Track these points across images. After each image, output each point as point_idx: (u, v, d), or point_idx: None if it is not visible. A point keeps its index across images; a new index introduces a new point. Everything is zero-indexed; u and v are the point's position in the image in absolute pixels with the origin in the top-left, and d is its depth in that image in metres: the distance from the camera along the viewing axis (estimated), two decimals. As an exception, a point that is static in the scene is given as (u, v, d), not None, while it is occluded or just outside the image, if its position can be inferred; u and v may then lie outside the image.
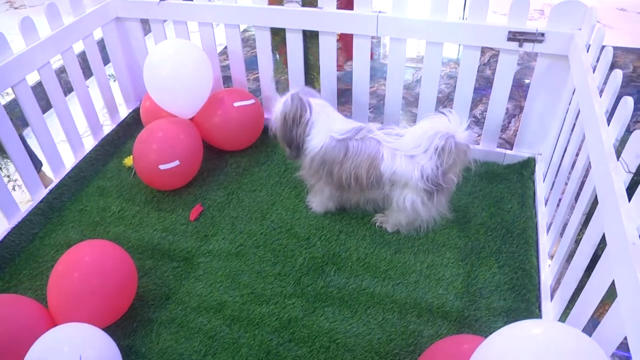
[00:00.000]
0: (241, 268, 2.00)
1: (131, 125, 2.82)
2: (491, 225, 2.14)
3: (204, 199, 2.33)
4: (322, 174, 2.03)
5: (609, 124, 1.52)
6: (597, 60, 1.78)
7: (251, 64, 3.16)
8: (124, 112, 2.92)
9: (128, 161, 2.53)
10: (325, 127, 2.01)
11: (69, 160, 2.53)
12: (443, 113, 1.86)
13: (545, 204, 2.18)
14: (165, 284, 1.97)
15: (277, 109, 2.06)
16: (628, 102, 1.41)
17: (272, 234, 2.14)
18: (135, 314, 1.86)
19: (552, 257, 1.92)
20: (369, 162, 1.92)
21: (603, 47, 1.75)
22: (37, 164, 2.57)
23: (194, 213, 2.25)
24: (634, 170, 1.29)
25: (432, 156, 1.85)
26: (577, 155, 1.82)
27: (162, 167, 2.21)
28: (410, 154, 1.87)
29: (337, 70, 2.56)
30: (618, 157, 1.38)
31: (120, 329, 1.80)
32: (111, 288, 1.73)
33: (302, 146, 2.05)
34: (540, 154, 2.43)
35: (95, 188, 2.43)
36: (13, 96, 2.62)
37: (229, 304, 1.88)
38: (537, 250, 2.03)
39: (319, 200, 2.19)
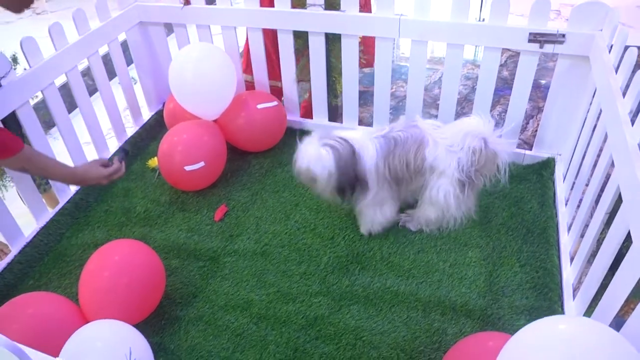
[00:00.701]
0: (267, 267, 2.04)
1: (154, 128, 2.87)
2: (512, 225, 2.16)
3: (228, 200, 2.37)
4: (386, 174, 1.96)
5: (632, 125, 1.54)
6: (620, 61, 1.79)
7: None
8: (146, 114, 2.97)
9: (152, 163, 2.58)
10: (366, 139, 1.95)
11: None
12: (480, 116, 1.93)
13: (566, 204, 2.20)
14: (192, 282, 2.01)
15: (314, 167, 1.90)
16: (653, 103, 1.44)
17: (296, 233, 2.17)
18: (163, 312, 1.90)
19: (573, 256, 1.94)
20: (416, 146, 1.93)
21: (626, 47, 1.76)
22: None
23: (218, 213, 2.29)
24: (659, 170, 1.31)
25: (467, 153, 1.89)
26: (598, 155, 1.84)
27: (187, 168, 2.25)
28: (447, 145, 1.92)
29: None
30: (643, 156, 1.40)
31: (149, 327, 1.84)
32: (140, 286, 1.77)
33: (360, 176, 1.94)
34: (560, 155, 2.45)
35: (120, 189, 2.47)
36: (38, 98, 2.70)
37: (256, 302, 1.91)
38: (558, 250, 2.05)
39: (378, 216, 2.07)
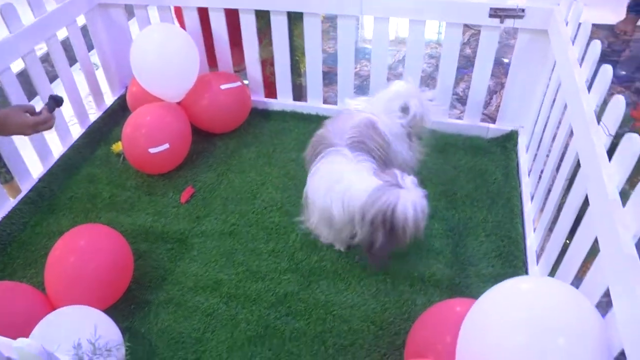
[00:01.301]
0: (235, 247, 2.03)
1: (117, 112, 2.81)
2: (477, 197, 2.19)
3: (194, 181, 2.34)
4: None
5: (589, 92, 1.56)
6: (576, 34, 1.82)
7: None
8: (109, 99, 2.90)
9: (116, 147, 2.52)
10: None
11: (57, 149, 2.51)
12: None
13: (529, 174, 2.23)
14: (160, 265, 1.98)
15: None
16: (608, 70, 1.46)
17: (263, 212, 2.16)
18: (133, 296, 1.87)
19: (536, 224, 1.97)
20: (372, 130, 1.83)
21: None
22: None
23: (185, 195, 2.26)
24: (614, 133, 1.33)
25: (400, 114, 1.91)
26: (558, 126, 1.87)
27: (151, 150, 2.21)
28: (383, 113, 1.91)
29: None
30: (598, 122, 1.42)
31: (118, 311, 1.81)
32: (107, 271, 1.74)
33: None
34: (523, 127, 2.48)
35: (85, 175, 2.42)
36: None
37: (225, 282, 1.90)
38: (522, 219, 2.09)
39: None
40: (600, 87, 1.48)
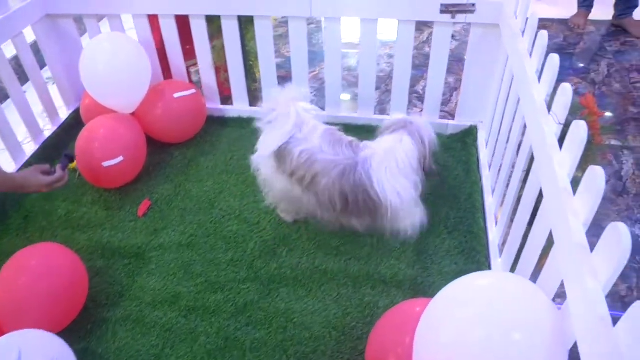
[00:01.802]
0: (193, 258, 1.96)
1: (73, 127, 2.71)
2: (438, 193, 2.15)
3: (151, 194, 2.26)
4: None
5: (539, 82, 1.54)
6: (525, 26, 1.80)
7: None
8: (64, 114, 2.81)
9: (72, 163, 2.43)
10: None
11: (9, 168, 2.41)
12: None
13: (489, 168, 2.21)
14: (117, 282, 1.90)
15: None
16: (554, 59, 1.44)
17: (222, 221, 2.10)
18: (89, 315, 1.79)
19: (498, 218, 1.95)
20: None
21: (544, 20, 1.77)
22: None
23: (142, 208, 2.18)
24: (563, 122, 1.31)
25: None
26: (515, 118, 1.85)
27: (105, 164, 2.13)
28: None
29: None
30: (549, 111, 1.40)
31: (74, 333, 1.73)
32: (61, 291, 1.67)
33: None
34: (482, 122, 2.46)
35: (40, 194, 2.32)
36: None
37: (184, 294, 1.83)
38: (484, 213, 2.06)
39: None
40: (549, 76, 1.46)
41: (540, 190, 1.36)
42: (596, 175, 1.01)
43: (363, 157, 1.76)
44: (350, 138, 1.84)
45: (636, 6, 3.68)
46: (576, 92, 2.96)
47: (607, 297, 0.92)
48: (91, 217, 2.18)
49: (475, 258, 1.88)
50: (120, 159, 2.15)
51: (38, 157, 2.48)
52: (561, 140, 1.30)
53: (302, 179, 1.78)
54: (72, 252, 1.80)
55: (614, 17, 3.79)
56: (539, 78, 1.56)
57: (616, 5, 3.75)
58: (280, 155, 1.80)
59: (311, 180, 1.76)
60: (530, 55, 1.69)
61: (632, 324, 0.80)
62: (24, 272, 1.66)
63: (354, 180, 1.73)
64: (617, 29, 3.75)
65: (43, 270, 1.67)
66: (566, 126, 1.28)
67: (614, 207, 2.27)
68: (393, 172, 1.76)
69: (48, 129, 2.71)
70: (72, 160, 2.11)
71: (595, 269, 0.96)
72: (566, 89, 1.29)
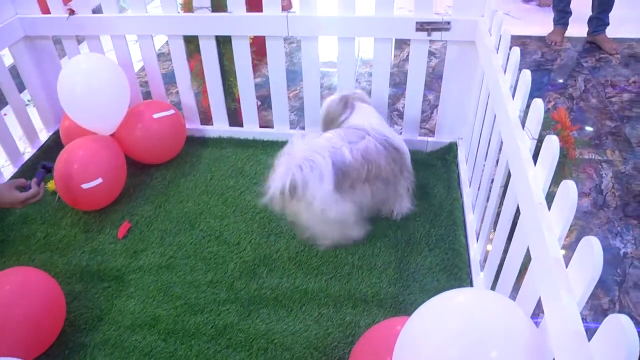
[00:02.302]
0: (173, 280, 1.92)
1: (52, 149, 2.67)
2: (419, 211, 2.14)
3: (131, 215, 2.23)
4: None
5: (513, 98, 1.54)
6: (499, 42, 1.81)
7: (173, 77, 3.08)
8: (44, 136, 2.77)
9: (51, 185, 2.39)
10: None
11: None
12: None
13: (470, 185, 2.20)
14: (96, 305, 1.86)
15: None
16: (526, 74, 1.44)
17: (201, 242, 2.06)
18: (67, 340, 1.74)
19: (479, 234, 1.94)
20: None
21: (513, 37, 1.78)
22: None
23: (121, 230, 2.15)
24: (537, 137, 1.31)
25: None
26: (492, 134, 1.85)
27: (84, 186, 2.10)
28: None
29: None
30: (523, 127, 1.40)
31: (50, 358, 1.69)
32: (37, 316, 1.62)
33: None
34: (462, 138, 2.46)
35: (18, 217, 2.28)
36: None
37: (163, 317, 1.79)
38: (465, 230, 2.05)
39: None
40: (522, 91, 1.46)
41: (518, 206, 1.36)
42: (569, 189, 1.00)
43: (365, 127, 1.96)
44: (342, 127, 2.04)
45: (608, 24, 3.76)
46: (554, 107, 2.99)
47: (589, 310, 0.91)
48: (70, 240, 2.14)
49: (457, 275, 1.86)
50: (100, 180, 2.12)
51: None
52: (536, 155, 1.30)
53: (361, 174, 1.86)
54: (49, 276, 1.75)
55: (588, 33, 3.87)
56: (513, 94, 1.56)
57: (589, 23, 3.83)
58: (342, 172, 1.81)
59: (368, 169, 1.87)
60: (505, 71, 1.70)
61: (606, 337, 0.79)
62: (-2, 297, 1.61)
63: (381, 143, 1.92)
64: (592, 45, 3.82)
65: (18, 295, 1.62)
66: (540, 141, 1.28)
67: (596, 220, 2.28)
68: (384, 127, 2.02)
69: (28, 152, 2.67)
70: (49, 170, 2.03)
71: (570, 284, 0.95)
72: (538, 104, 1.30)
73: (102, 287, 1.93)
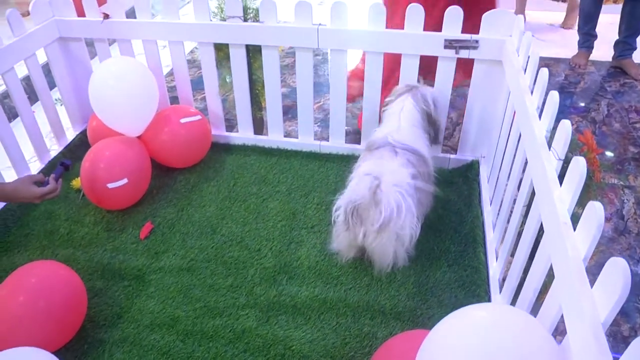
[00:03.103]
0: (193, 282, 1.95)
1: (79, 147, 2.74)
2: (439, 227, 2.16)
3: (153, 217, 2.27)
4: None
5: (540, 119, 1.56)
6: (527, 63, 1.84)
7: (199, 84, 3.14)
8: (71, 135, 2.84)
9: (76, 183, 2.45)
10: None
11: (14, 185, 2.43)
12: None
13: (491, 203, 2.22)
14: (116, 303, 1.90)
15: None
16: (554, 96, 1.46)
17: (222, 247, 2.10)
18: (86, 335, 1.78)
19: (499, 253, 1.95)
20: None
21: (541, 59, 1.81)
22: None
23: (144, 231, 2.19)
24: (563, 157, 1.33)
25: None
26: (515, 153, 1.87)
27: (110, 185, 2.15)
28: None
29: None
30: (549, 147, 1.42)
31: (70, 352, 1.72)
32: (59, 309, 1.66)
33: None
34: (484, 157, 2.48)
35: (43, 212, 2.34)
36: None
37: (182, 318, 1.82)
38: (484, 248, 2.06)
39: None
40: (549, 112, 1.48)
41: (541, 226, 1.37)
42: (595, 210, 1.02)
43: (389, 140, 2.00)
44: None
45: (635, 48, 3.76)
46: (577, 130, 3.00)
47: (609, 338, 0.92)
48: (92, 238, 2.19)
49: (475, 292, 1.88)
50: (125, 181, 2.17)
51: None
52: (561, 176, 1.32)
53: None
54: (73, 272, 1.80)
55: (614, 57, 3.87)
56: (540, 114, 1.58)
57: (616, 46, 3.83)
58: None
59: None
60: (532, 92, 1.72)
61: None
62: (22, 290, 1.65)
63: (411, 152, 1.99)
64: (617, 69, 3.83)
65: (42, 288, 1.66)
66: (566, 162, 1.30)
67: (617, 245, 2.28)
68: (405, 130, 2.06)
69: (54, 149, 2.74)
70: (67, 168, 2.08)
71: (595, 304, 0.96)
72: (566, 125, 1.32)
73: (123, 286, 1.97)
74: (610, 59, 3.90)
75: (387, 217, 1.72)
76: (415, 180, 1.86)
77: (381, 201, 1.72)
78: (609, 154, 2.89)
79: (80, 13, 2.56)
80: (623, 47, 3.77)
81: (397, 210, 1.73)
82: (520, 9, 4.60)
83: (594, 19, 3.80)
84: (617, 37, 3.80)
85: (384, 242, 1.80)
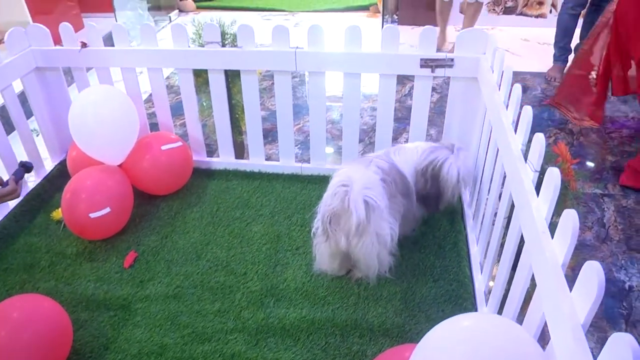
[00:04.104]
0: (180, 309, 1.98)
1: (58, 178, 2.76)
2: (424, 243, 2.22)
3: (137, 245, 2.30)
4: None
5: (515, 132, 1.64)
6: (501, 79, 1.92)
7: (177, 109, 3.19)
8: (49, 165, 2.86)
9: (56, 214, 2.47)
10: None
11: (-8, 220, 2.44)
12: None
13: (473, 218, 2.28)
14: (102, 334, 1.91)
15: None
16: (528, 110, 1.54)
17: (208, 272, 2.13)
18: (72, 369, 1.79)
19: (483, 266, 2.01)
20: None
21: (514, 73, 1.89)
22: None
23: (128, 260, 2.21)
24: (539, 169, 1.40)
25: None
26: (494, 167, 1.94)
27: (92, 215, 2.17)
28: None
29: None
30: (525, 160, 1.49)
31: (56, 387, 1.73)
32: (44, 343, 1.66)
33: None
34: (464, 172, 2.55)
35: (22, 245, 2.34)
36: None
37: (170, 346, 1.84)
38: (469, 261, 2.12)
39: None
40: (524, 126, 1.56)
41: (522, 236, 1.44)
42: (570, 217, 1.09)
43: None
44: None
45: None
46: (555, 142, 3.10)
47: (595, 343, 0.98)
48: (75, 269, 2.20)
49: (462, 305, 1.93)
50: (108, 210, 2.20)
51: (22, 209, 2.51)
52: (538, 187, 1.39)
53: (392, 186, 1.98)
54: (56, 303, 1.80)
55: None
56: (515, 128, 1.66)
57: (576, 50, 4.00)
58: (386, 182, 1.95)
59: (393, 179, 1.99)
60: (507, 107, 1.80)
61: (611, 357, 0.86)
62: (4, 324, 1.64)
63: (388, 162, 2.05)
64: None
65: (25, 322, 1.66)
66: (542, 174, 1.37)
67: (599, 253, 2.36)
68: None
69: (32, 180, 2.75)
70: (28, 169, 2.07)
71: (574, 307, 1.02)
72: (539, 138, 1.39)
73: (109, 316, 1.98)
74: None
75: (362, 218, 1.77)
76: (384, 183, 1.92)
77: (350, 205, 1.78)
78: (588, 163, 2.99)
79: (57, 41, 2.60)
80: None
81: (371, 209, 1.80)
82: (443, 26, 4.68)
83: (570, 34, 3.98)
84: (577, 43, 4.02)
85: (367, 244, 1.86)
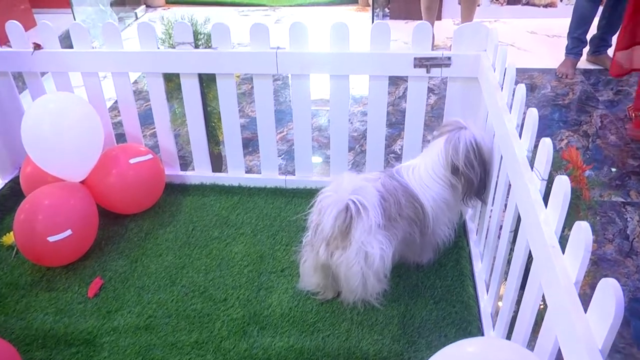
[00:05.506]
0: (153, 342, 1.97)
1: (9, 198, 2.74)
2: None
3: (103, 271, 2.29)
4: None
5: (520, 137, 1.66)
6: (503, 78, 1.95)
7: (147, 118, 3.19)
8: None
9: (7, 239, 2.45)
10: None
11: None
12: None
13: (476, 232, 2.30)
14: (62, 374, 1.90)
15: None
16: (533, 113, 1.56)
17: (184, 299, 2.13)
18: (28, 416, 1.78)
19: (489, 285, 2.02)
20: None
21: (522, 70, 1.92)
22: None
23: (92, 288, 2.20)
24: (546, 177, 1.42)
25: None
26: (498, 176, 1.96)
27: (51, 239, 2.16)
28: None
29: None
30: (532, 167, 1.51)
31: None
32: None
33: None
34: (465, 182, 2.57)
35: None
36: None
37: (142, 384, 1.84)
38: (473, 280, 2.14)
39: None
40: (529, 130, 1.58)
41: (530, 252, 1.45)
42: (582, 230, 1.10)
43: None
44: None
45: (610, 45, 4.00)
46: (566, 147, 3.12)
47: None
48: (30, 301, 2.18)
49: (466, 329, 1.94)
50: (69, 232, 2.19)
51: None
52: (546, 197, 1.40)
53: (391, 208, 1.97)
54: (6, 342, 1.76)
55: (589, 54, 4.16)
56: (520, 133, 1.68)
57: (591, 42, 4.10)
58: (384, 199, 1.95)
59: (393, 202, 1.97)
60: (510, 109, 1.82)
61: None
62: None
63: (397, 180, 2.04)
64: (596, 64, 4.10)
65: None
66: (550, 182, 1.39)
67: (622, 269, 2.33)
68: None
69: (-20, 202, 2.73)
70: None
71: (590, 330, 1.03)
72: (547, 143, 1.41)
73: (70, 353, 1.96)
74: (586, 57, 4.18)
75: (339, 221, 1.79)
76: (383, 200, 1.92)
77: (328, 207, 1.79)
78: (607, 169, 3.00)
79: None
80: (599, 43, 4.05)
81: (355, 214, 1.80)
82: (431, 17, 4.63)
83: (587, 23, 3.97)
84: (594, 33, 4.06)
85: (349, 258, 1.85)
